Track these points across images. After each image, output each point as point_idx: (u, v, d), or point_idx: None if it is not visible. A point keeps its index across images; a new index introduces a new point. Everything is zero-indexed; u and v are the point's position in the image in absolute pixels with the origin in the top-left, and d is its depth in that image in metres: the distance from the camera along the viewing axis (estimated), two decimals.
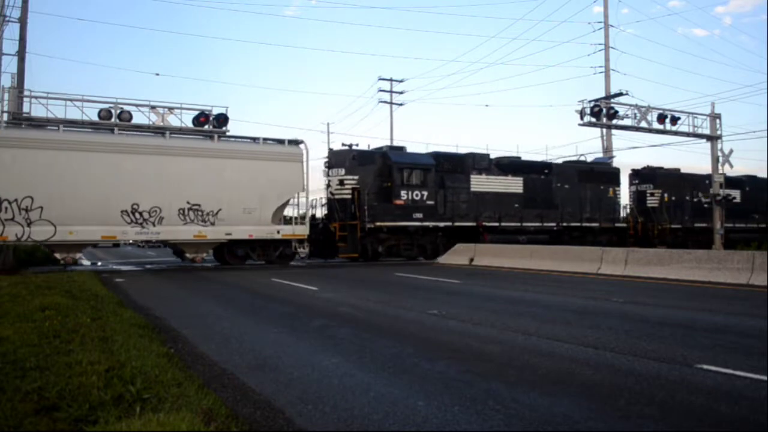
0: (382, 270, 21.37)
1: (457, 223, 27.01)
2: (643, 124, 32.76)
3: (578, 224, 30.84)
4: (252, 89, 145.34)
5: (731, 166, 35.54)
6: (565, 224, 30.38)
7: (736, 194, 36.11)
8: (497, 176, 28.99)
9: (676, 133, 34.00)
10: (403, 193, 25.64)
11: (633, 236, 32.94)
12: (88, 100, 21.49)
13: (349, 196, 25.12)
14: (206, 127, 22.82)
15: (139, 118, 22.11)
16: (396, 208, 25.47)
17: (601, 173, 33.01)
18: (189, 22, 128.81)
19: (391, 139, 46.59)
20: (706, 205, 34.89)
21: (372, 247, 25.47)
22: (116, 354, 6.36)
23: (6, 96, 22.13)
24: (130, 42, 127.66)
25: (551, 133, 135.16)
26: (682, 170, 37.64)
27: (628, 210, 35.01)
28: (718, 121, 34.96)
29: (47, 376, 5.48)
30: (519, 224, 28.81)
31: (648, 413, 4.82)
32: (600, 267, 18.88)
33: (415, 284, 16.23)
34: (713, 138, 34.91)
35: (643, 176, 35.89)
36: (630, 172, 36.58)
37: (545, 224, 29.70)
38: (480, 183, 28.18)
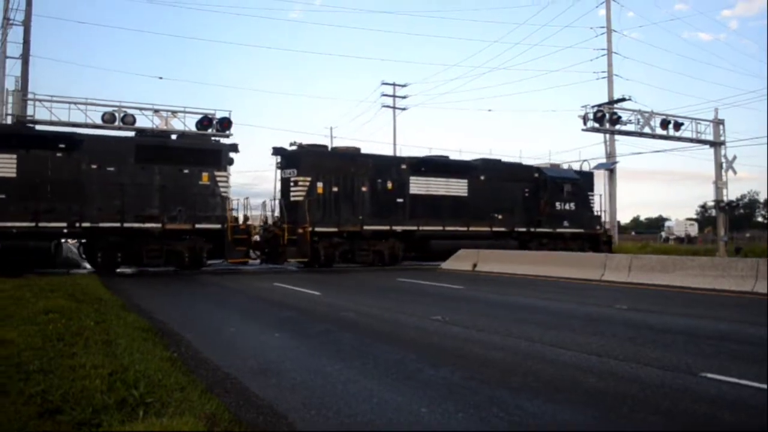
0: (386, 275, 21.34)
1: None
2: (647, 130, 32.84)
3: (117, 225, 20.53)
4: (256, 93, 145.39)
5: (734, 172, 35.45)
6: (89, 224, 20.24)
7: (460, 186, 27.21)
8: None
9: (679, 138, 34.05)
10: None
11: (241, 242, 22.71)
12: (92, 104, 21.66)
13: None
14: (210, 130, 22.93)
15: (142, 122, 22.26)
16: None
17: (186, 151, 22.11)
18: (193, 25, 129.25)
19: (394, 144, 46.68)
20: (400, 200, 25.81)
21: None
22: (120, 357, 6.38)
23: (10, 99, 22.32)
24: (133, 45, 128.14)
25: (555, 139, 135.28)
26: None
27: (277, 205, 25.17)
28: (721, 126, 35.02)
29: (51, 379, 5.51)
30: None
31: (652, 421, 4.82)
32: (603, 274, 18.85)
33: (417, 290, 16.21)
34: (716, 144, 34.93)
35: (287, 158, 24.90)
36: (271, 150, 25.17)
37: (44, 224, 19.55)
38: None
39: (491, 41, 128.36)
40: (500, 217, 27.91)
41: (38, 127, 21.95)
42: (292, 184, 24.05)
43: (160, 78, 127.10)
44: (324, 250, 23.96)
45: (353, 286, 17.24)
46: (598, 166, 34.63)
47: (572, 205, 30.09)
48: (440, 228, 26.17)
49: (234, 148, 22.91)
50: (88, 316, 9.20)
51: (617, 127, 32.46)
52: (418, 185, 26.12)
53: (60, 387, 5.22)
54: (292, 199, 23.86)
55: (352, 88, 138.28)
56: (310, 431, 4.66)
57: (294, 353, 7.70)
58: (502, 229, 27.80)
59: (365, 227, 24.63)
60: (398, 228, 25.47)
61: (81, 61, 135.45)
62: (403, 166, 26.10)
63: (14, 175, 19.31)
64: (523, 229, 28.58)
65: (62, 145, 20.12)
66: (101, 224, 20.37)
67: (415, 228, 25.79)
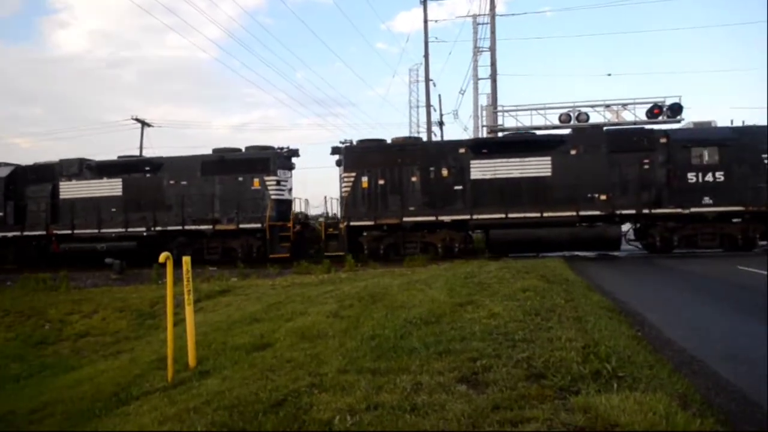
0: None
1: None
2: None
3: (179, 227, 23.46)
4: (703, 74, 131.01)
5: None
6: (160, 228, 23.53)
7: (539, 165, 20.74)
8: None
9: None
10: None
11: (284, 239, 22.68)
12: (549, 108, 22.79)
13: None
14: (660, 117, 21.85)
15: (595, 118, 22.44)
16: None
17: (240, 162, 23.54)
18: (634, 19, 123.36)
19: None
20: (458, 188, 21.10)
21: None
22: (590, 333, 6.48)
23: (484, 113, 25.20)
24: (580, 50, 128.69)
25: None
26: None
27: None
28: None
29: (533, 348, 5.87)
30: None
31: None
32: None
33: None
34: None
35: (339, 155, 22.82)
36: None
37: (132, 230, 23.56)
38: None
39: None
40: (603, 198, 20.34)
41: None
42: (341, 181, 22.76)
43: (609, 75, 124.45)
44: (367, 243, 22.13)
45: None
46: None
47: (720, 174, 19.92)
48: (502, 215, 20.58)
49: (294, 153, 24.12)
50: (558, 294, 9.56)
51: None
52: (482, 169, 21.25)
53: (541, 355, 5.51)
54: (342, 195, 22.76)
55: None
56: None
57: (764, 341, 6.83)
58: (595, 212, 20.32)
59: (405, 219, 21.45)
60: (446, 218, 21.20)
61: (536, 72, 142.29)
62: (462, 150, 21.63)
63: (120, 193, 23.97)
64: (631, 212, 20.34)
65: (148, 168, 24.14)
66: (169, 227, 23.14)
67: (467, 217, 20.99)
